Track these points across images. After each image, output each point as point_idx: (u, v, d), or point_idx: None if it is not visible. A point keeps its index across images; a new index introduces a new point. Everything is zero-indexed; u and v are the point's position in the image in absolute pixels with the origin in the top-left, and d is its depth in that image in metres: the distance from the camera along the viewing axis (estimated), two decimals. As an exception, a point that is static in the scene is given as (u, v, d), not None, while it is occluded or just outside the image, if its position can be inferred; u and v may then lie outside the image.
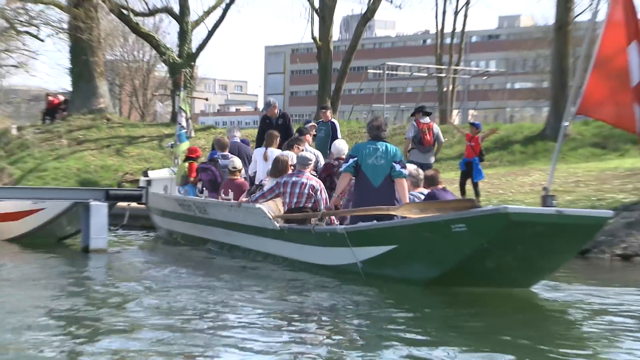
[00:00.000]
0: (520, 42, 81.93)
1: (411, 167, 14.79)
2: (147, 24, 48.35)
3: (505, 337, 9.95)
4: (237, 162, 17.96)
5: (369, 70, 53.42)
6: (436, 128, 20.66)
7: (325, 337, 9.94)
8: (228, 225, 17.51)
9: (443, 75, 47.53)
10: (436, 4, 48.77)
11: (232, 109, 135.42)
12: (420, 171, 15.10)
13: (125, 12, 40.32)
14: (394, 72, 57.10)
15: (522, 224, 11.79)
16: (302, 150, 16.87)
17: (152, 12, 43.20)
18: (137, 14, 41.70)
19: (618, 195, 21.16)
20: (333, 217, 14.85)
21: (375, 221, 13.55)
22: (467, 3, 48.04)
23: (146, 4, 41.98)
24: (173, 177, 22.26)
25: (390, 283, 13.17)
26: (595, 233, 13.36)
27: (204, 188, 19.19)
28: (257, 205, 15.86)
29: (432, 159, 20.57)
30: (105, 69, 42.62)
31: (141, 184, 22.99)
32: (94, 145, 36.04)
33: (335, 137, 20.25)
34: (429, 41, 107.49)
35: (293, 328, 10.27)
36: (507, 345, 9.48)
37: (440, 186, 14.40)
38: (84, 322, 10.57)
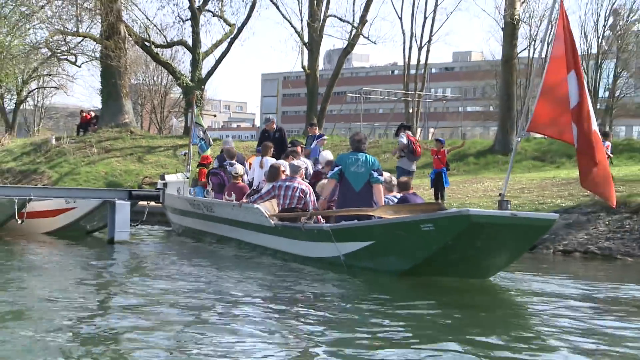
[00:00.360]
0: (471, 74, 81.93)
1: (385, 175, 14.46)
2: (165, 54, 48.03)
3: (467, 320, 9.65)
4: (239, 168, 17.58)
5: (348, 94, 53.14)
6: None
7: (309, 319, 9.52)
8: (231, 222, 17.08)
9: (410, 99, 47.24)
10: (404, 41, 48.46)
11: (234, 125, 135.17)
12: (394, 178, 14.83)
13: (147, 44, 40.02)
14: (369, 96, 56.77)
15: (482, 224, 11.45)
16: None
17: (169, 45, 42.84)
18: (157, 46, 41.37)
19: (557, 200, 20.94)
20: (320, 217, 14.48)
21: (356, 220, 13.19)
22: (429, 40, 47.80)
23: (165, 37, 41.66)
24: (185, 181, 21.88)
25: (368, 273, 12.77)
26: (544, 232, 13.04)
27: (211, 189, 18.81)
28: (256, 206, 15.49)
29: (414, 167, 20.39)
30: (129, 90, 42.20)
31: (158, 186, 22.54)
32: (119, 153, 35.58)
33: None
34: (396, 72, 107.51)
35: (281, 311, 9.93)
36: (468, 327, 9.13)
37: (411, 191, 14.09)
38: (106, 304, 10.35)
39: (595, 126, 11.72)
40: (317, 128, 22.65)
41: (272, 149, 18.06)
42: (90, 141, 36.60)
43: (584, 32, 57.95)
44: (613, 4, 56.88)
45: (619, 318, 10.11)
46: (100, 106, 41.54)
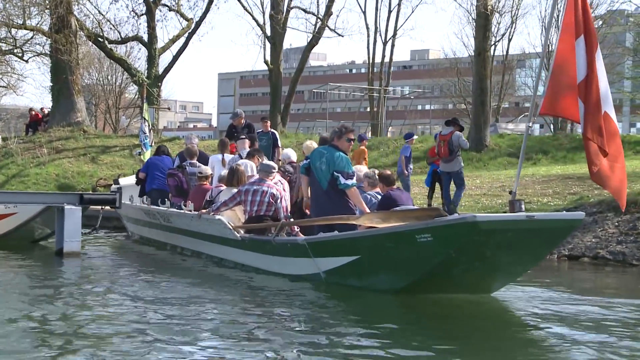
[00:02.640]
0: (430, 72, 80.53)
1: (367, 170, 12.67)
2: (119, 50, 45.70)
3: (467, 344, 8.22)
4: (205, 169, 15.59)
5: (313, 90, 51.46)
6: (456, 136, 18.09)
7: (285, 348, 7.88)
8: (191, 233, 14.98)
9: (377, 95, 45.35)
10: (367, 36, 46.60)
11: (191, 125, 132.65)
12: (376, 172, 12.81)
13: (100, 39, 37.77)
14: (326, 92, 54.81)
15: (492, 231, 9.41)
16: (261, 161, 14.43)
17: (124, 40, 40.53)
18: (111, 41, 39.08)
19: (542, 199, 19.43)
20: (295, 226, 12.52)
21: (336, 231, 11.13)
22: (394, 35, 46.03)
23: (119, 33, 39.34)
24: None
25: (355, 292, 10.80)
26: (567, 235, 11.08)
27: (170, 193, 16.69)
28: (217, 217, 13.34)
29: (457, 166, 18.24)
30: (82, 88, 39.83)
31: (113, 188, 20.37)
32: (71, 154, 33.16)
33: (276, 146, 18.46)
34: (354, 70, 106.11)
35: (249, 337, 8.31)
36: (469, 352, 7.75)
37: (394, 187, 12.06)
38: (53, 327, 8.81)
39: (608, 108, 9.73)
40: (270, 123, 20.73)
41: (229, 145, 16.55)
42: (40, 141, 34.08)
43: (544, 28, 56.90)
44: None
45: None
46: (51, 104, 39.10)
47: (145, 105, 22.46)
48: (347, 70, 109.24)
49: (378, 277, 10.54)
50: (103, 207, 17.80)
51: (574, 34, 9.86)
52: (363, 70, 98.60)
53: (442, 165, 18.38)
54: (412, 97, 64.30)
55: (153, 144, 22.16)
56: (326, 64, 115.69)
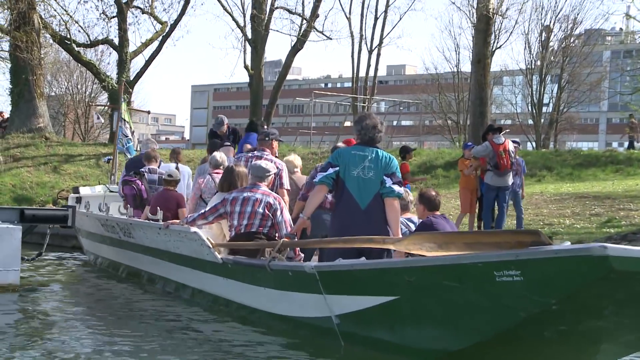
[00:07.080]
0: (408, 87, 78.07)
1: None
2: (89, 55, 42.38)
3: None
4: (175, 172, 12.22)
5: (297, 98, 48.76)
6: (511, 146, 14.79)
7: None
8: (157, 252, 11.47)
9: (363, 105, 42.08)
10: (352, 44, 43.37)
11: (163, 137, 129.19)
12: (409, 191, 9.47)
13: (67, 42, 34.32)
14: (317, 101, 51.69)
15: (630, 275, 5.77)
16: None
17: (93, 44, 37.11)
18: (79, 44, 35.68)
19: (565, 220, 16.70)
20: (298, 249, 9.10)
21: (363, 258, 7.62)
22: (380, 43, 42.87)
23: (88, 36, 35.95)
24: (108, 194, 16.26)
25: (382, 352, 7.32)
26: None
27: (128, 204, 13.23)
28: (193, 229, 9.78)
29: (511, 181, 14.87)
30: (50, 97, 36.22)
31: (70, 202, 16.90)
32: (31, 163, 29.54)
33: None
34: (330, 85, 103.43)
35: None
36: None
37: (438, 213, 8.72)
38: None
39: None
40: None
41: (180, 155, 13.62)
42: (-5, 148, 30.55)
43: (528, 43, 54.33)
44: (557, 15, 53.42)
45: None
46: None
47: (124, 105, 19.16)
48: (323, 85, 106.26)
49: (423, 331, 7.04)
50: (51, 225, 14.11)
51: None
52: (339, 85, 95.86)
53: (495, 179, 14.63)
54: (401, 108, 61.25)
55: (138, 149, 18.82)
56: (301, 77, 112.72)
